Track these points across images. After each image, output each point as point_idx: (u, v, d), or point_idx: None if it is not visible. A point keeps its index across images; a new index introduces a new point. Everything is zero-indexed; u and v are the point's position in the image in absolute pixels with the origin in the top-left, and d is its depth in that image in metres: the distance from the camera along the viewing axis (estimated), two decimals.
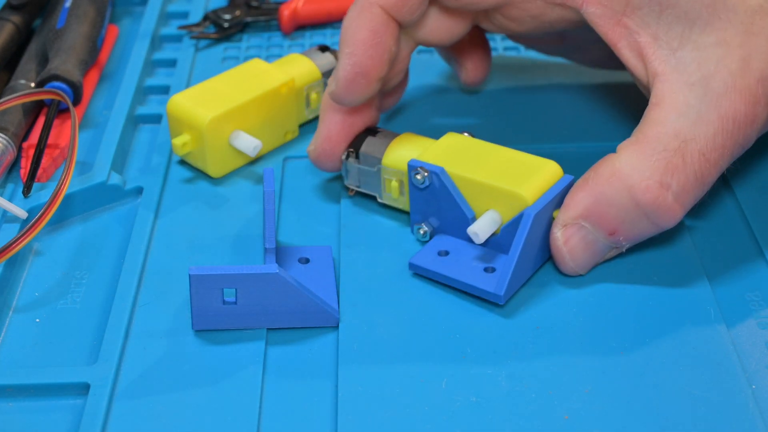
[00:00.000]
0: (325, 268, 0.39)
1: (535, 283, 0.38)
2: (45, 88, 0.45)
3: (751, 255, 0.39)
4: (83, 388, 0.34)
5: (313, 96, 0.46)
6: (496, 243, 0.38)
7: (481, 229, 0.37)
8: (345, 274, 0.39)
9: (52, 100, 0.46)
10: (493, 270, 0.38)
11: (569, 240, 0.37)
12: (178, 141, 0.43)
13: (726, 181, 0.43)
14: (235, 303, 0.36)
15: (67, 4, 0.51)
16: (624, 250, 0.38)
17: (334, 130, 0.41)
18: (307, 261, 0.39)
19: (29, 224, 0.38)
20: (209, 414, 0.33)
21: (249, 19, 0.55)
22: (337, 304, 0.37)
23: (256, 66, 0.46)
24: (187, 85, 0.50)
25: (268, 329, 0.36)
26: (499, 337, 0.36)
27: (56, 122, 0.46)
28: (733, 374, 0.34)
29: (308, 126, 0.47)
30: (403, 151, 0.40)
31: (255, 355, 0.35)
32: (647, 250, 0.39)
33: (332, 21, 0.56)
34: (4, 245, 0.38)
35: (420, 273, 0.38)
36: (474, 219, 0.38)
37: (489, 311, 0.37)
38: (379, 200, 0.42)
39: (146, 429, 0.33)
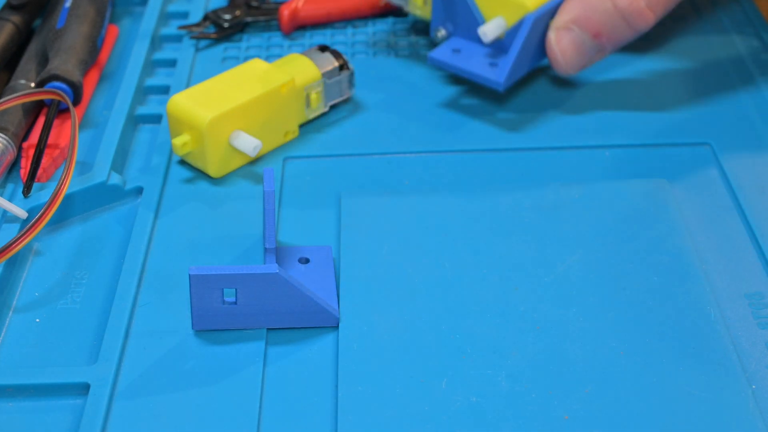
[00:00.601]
0: (325, 268, 0.39)
1: (535, 282, 0.38)
2: (45, 88, 0.45)
3: (752, 255, 0.39)
4: (83, 388, 0.34)
5: (313, 96, 0.46)
6: (501, 45, 0.46)
7: (490, 29, 0.45)
8: (345, 274, 0.39)
9: (52, 100, 0.46)
10: (497, 65, 0.46)
11: (561, 41, 0.45)
12: (178, 141, 0.43)
13: (726, 180, 0.43)
14: (235, 303, 0.36)
15: (67, 4, 0.51)
16: (607, 53, 0.46)
17: None
18: (307, 261, 0.39)
19: (29, 224, 0.38)
20: (209, 414, 0.33)
21: (249, 19, 0.55)
22: (337, 304, 0.37)
23: (256, 66, 0.46)
24: (187, 85, 0.50)
25: (268, 329, 0.36)
26: (499, 337, 0.36)
27: (56, 122, 0.46)
28: (733, 374, 0.34)
29: (308, 126, 0.47)
30: None
31: (255, 355, 0.35)
32: (647, 251, 0.39)
33: (332, 21, 0.56)
34: (4, 245, 0.38)
35: (437, 65, 0.47)
36: (484, 23, 0.46)
37: (489, 311, 0.37)
38: (405, 9, 0.50)
39: (146, 429, 0.33)
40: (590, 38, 0.45)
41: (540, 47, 0.46)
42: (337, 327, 0.36)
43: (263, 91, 0.44)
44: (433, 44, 0.49)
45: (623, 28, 0.44)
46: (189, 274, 0.35)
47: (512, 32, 0.45)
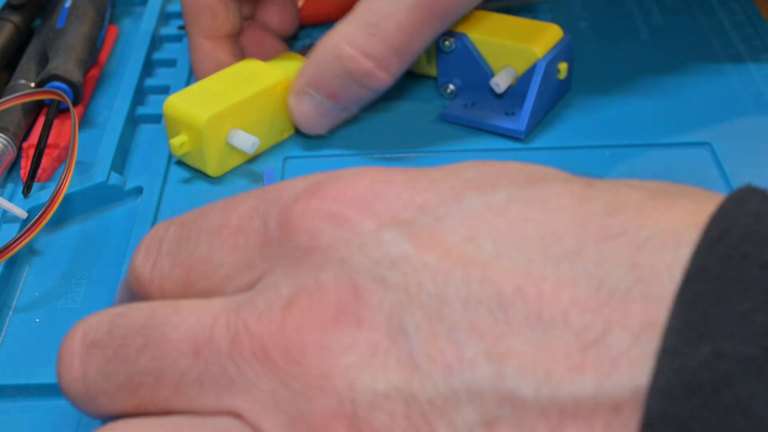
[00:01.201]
0: None
1: None
2: (45, 88, 0.45)
3: None
4: None
5: None
6: (513, 93, 0.46)
7: (502, 80, 0.45)
8: None
9: (52, 100, 0.46)
10: (514, 113, 0.46)
11: (301, 105, 0.44)
12: (175, 141, 0.43)
13: (726, 180, 0.43)
14: None
15: (67, 4, 0.51)
16: (354, 110, 0.45)
17: None
18: None
19: (29, 224, 0.38)
20: None
21: None
22: None
23: (251, 65, 0.46)
24: (187, 85, 0.50)
25: None
26: None
27: (56, 122, 0.46)
28: None
29: None
30: None
31: None
32: None
33: (331, 21, 0.55)
34: (4, 245, 0.38)
35: (452, 121, 0.47)
36: (493, 75, 0.46)
37: None
38: (410, 69, 0.47)
39: None
40: (328, 100, 0.43)
41: (553, 88, 0.46)
42: None
43: (258, 90, 0.44)
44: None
45: (357, 88, 0.43)
46: None
47: (524, 79, 0.45)
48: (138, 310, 0.25)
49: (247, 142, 0.43)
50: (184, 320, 0.24)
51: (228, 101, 0.43)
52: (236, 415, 0.23)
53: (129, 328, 0.25)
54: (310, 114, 0.44)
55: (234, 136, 0.43)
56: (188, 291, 0.26)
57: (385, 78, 0.42)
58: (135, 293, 0.27)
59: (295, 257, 0.24)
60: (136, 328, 0.25)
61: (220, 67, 0.46)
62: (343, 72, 0.42)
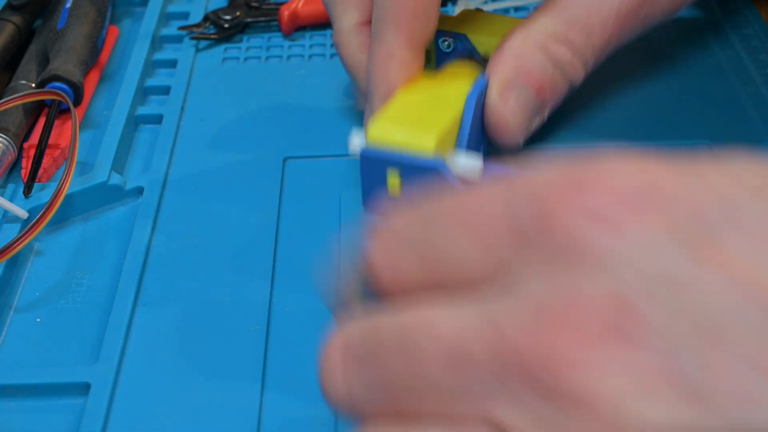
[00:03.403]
0: None
1: None
2: (46, 89, 0.45)
3: None
4: (83, 388, 0.34)
5: None
6: None
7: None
8: (345, 273, 0.39)
9: (53, 100, 0.46)
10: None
11: (506, 104, 0.40)
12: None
13: None
14: None
15: (68, 5, 0.52)
16: (544, 117, 0.42)
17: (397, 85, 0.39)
18: None
19: (30, 224, 0.38)
20: (209, 414, 0.33)
21: (249, 19, 0.55)
22: None
23: (429, 77, 0.41)
24: (188, 85, 0.50)
25: (267, 328, 0.37)
26: None
27: (57, 122, 0.46)
28: None
29: (308, 126, 0.47)
30: None
31: (255, 355, 0.36)
32: None
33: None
34: (5, 245, 0.38)
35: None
36: None
37: None
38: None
39: (146, 429, 0.33)
40: (533, 96, 0.40)
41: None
42: None
43: (460, 104, 0.39)
44: None
45: (561, 82, 0.41)
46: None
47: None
48: (391, 324, 0.24)
49: (471, 166, 0.36)
50: (440, 332, 0.23)
51: (442, 120, 0.37)
52: (494, 424, 0.22)
53: (385, 344, 0.24)
54: (517, 113, 0.40)
55: (456, 160, 0.36)
56: (431, 286, 0.25)
57: (581, 74, 0.41)
58: (372, 284, 0.26)
59: (552, 260, 0.22)
60: (392, 345, 0.24)
61: (409, 80, 0.40)
62: (549, 62, 0.40)
